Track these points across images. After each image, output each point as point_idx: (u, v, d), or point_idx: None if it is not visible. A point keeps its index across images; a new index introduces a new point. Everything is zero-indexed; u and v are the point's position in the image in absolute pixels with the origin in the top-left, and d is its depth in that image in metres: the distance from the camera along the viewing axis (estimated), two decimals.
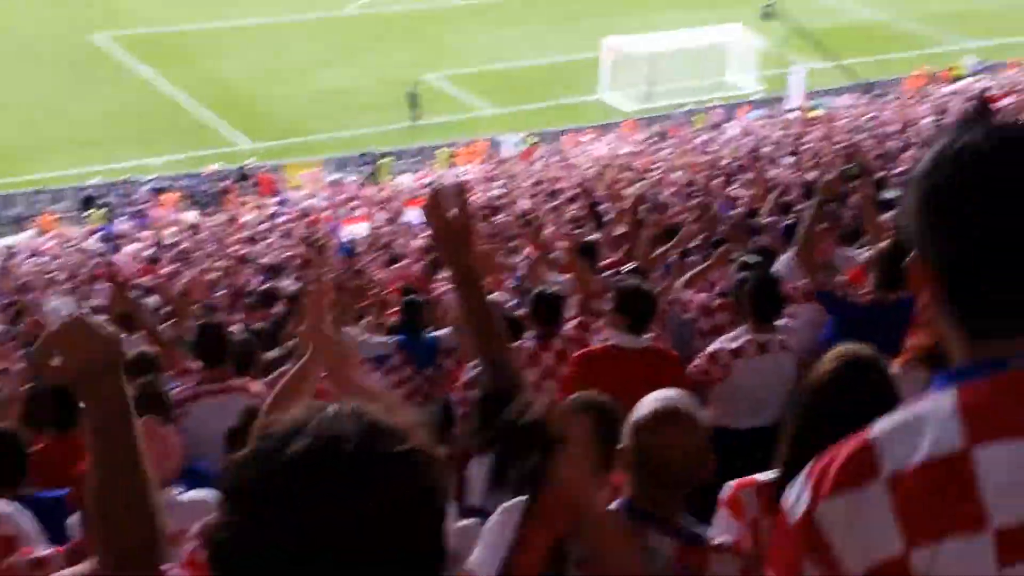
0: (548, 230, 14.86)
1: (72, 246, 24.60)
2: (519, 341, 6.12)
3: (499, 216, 18.50)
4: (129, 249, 22.53)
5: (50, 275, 19.41)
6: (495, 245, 12.70)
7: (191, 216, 27.39)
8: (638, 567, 2.65)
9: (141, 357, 6.81)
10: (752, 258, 7.81)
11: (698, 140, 31.00)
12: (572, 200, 19.91)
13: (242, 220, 25.66)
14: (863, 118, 30.04)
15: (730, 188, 17.54)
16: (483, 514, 3.26)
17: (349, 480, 1.38)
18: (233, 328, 8.81)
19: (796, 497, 1.51)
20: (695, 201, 14.86)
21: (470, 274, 3.07)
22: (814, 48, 37.73)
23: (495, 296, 8.60)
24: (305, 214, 25.83)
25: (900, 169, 14.46)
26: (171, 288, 16.16)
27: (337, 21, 44.20)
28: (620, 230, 11.99)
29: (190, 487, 4.26)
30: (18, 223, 29.45)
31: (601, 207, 16.33)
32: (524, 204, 20.53)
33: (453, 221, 2.95)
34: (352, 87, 37.52)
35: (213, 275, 16.51)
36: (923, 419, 1.47)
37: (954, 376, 1.52)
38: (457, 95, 36.96)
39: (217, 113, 35.08)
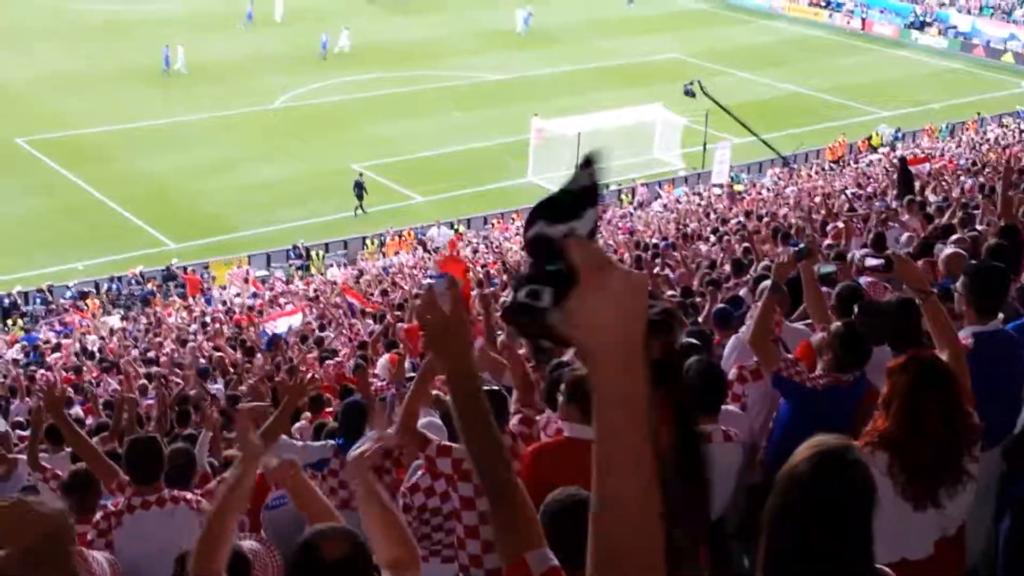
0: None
1: None
2: (454, 450, 5.81)
3: None
4: (52, 358, 21.86)
5: None
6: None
7: (115, 320, 26.77)
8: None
9: (75, 476, 6.63)
10: (689, 342, 7.64)
11: (626, 219, 31.21)
12: (505, 287, 19.81)
13: (168, 322, 25.13)
14: (787, 190, 30.54)
15: (658, 267, 17.54)
16: None
17: None
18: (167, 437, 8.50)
19: None
20: None
21: (466, 376, 2.83)
22: (734, 123, 38.33)
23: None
24: (232, 313, 25.41)
25: (827, 243, 14.54)
26: (99, 397, 15.70)
27: (258, 116, 44.10)
28: None
29: None
30: None
31: None
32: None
33: (447, 319, 2.76)
34: (277, 181, 37.31)
35: (140, 381, 16.04)
36: None
37: None
38: (386, 184, 36.88)
39: (139, 214, 34.56)
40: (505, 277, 21.57)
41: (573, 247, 1.71)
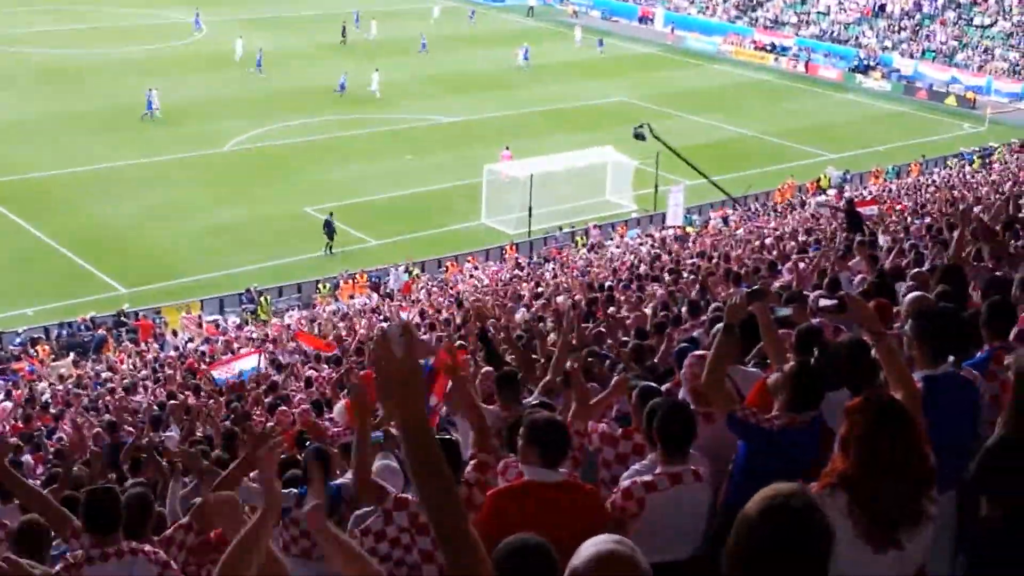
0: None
1: None
2: (411, 503, 5.77)
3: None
4: (1, 407, 21.50)
5: None
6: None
7: (65, 367, 26.40)
8: None
9: (25, 527, 6.49)
10: (649, 386, 7.66)
11: (580, 261, 31.35)
12: (458, 328, 19.83)
13: (120, 368, 24.83)
14: (738, 232, 30.84)
15: (613, 309, 17.62)
16: None
17: None
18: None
19: None
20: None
21: (419, 424, 2.82)
22: (684, 166, 38.78)
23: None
24: (185, 358, 25.16)
25: (779, 283, 14.70)
26: (49, 447, 15.46)
27: (208, 160, 43.91)
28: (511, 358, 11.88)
29: None
30: None
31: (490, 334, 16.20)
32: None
33: (401, 365, 2.75)
34: (229, 225, 37.10)
35: (93, 430, 15.80)
36: None
37: None
38: (340, 227, 36.78)
39: (89, 259, 34.20)
40: (459, 319, 21.57)
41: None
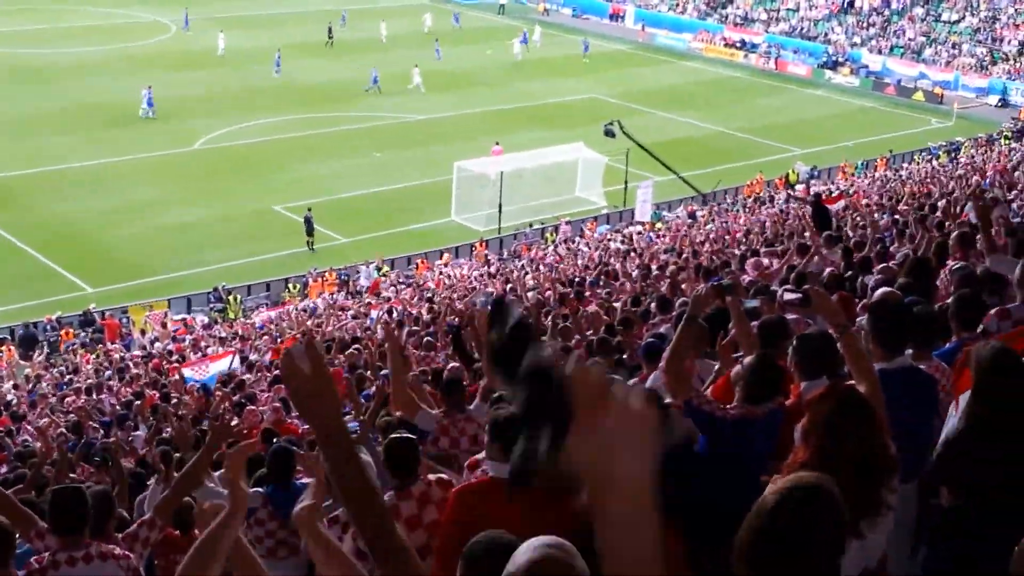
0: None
1: None
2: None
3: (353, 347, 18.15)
4: None
5: None
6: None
7: (29, 368, 26.14)
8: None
9: None
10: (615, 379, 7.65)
11: (550, 258, 31.36)
12: (429, 326, 19.79)
13: (85, 369, 24.61)
14: (706, 227, 30.93)
15: (583, 304, 17.63)
16: None
17: None
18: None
19: None
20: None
21: (334, 434, 2.81)
22: (654, 162, 38.88)
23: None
24: (151, 357, 24.98)
25: (748, 278, 14.73)
26: (14, 446, 15.29)
27: (177, 158, 43.62)
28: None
29: None
30: None
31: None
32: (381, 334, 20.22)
33: (308, 380, 2.74)
34: (197, 223, 36.87)
35: (58, 430, 15.66)
36: None
37: None
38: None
39: (55, 258, 33.89)
40: (429, 317, 21.51)
41: (573, 379, 1.61)
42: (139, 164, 42.44)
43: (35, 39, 61.25)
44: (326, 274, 33.44)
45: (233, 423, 8.75)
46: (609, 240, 33.11)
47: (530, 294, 22.23)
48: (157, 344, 27.42)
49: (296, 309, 29.58)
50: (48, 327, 29.82)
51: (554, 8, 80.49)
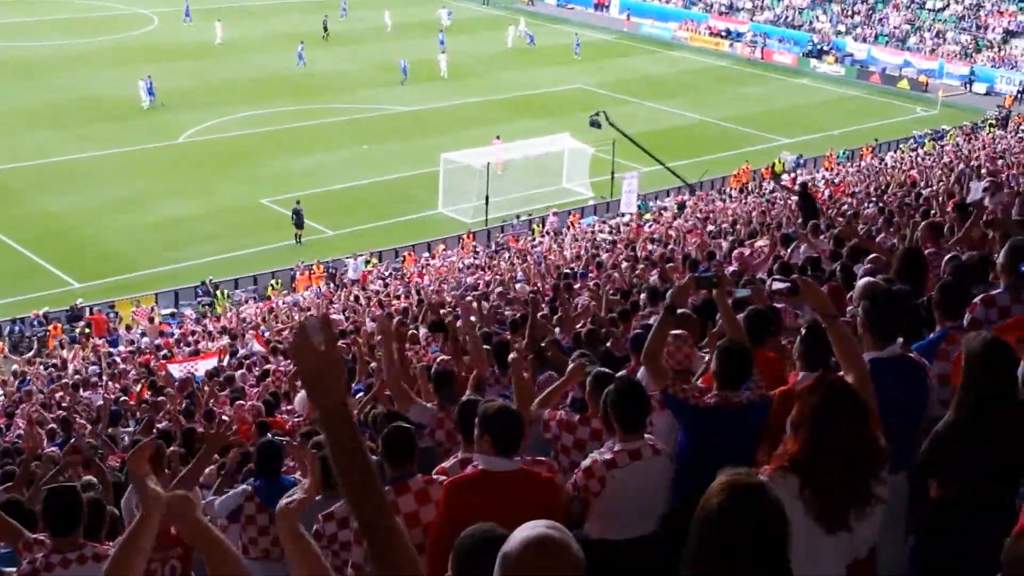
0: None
1: None
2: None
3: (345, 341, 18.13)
4: None
5: None
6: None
7: (16, 364, 26.04)
8: None
9: None
10: (603, 370, 7.68)
11: (538, 248, 31.33)
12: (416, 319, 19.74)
13: (73, 364, 24.52)
14: (692, 217, 30.94)
15: (574, 295, 17.63)
16: None
17: None
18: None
19: None
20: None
21: (339, 413, 2.79)
22: (641, 152, 38.89)
23: None
24: (141, 352, 24.92)
25: (732, 269, 14.78)
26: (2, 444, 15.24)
27: (162, 152, 43.46)
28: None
29: None
30: None
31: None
32: (371, 326, 20.22)
33: (321, 356, 2.72)
34: (184, 217, 36.74)
35: (48, 426, 15.61)
36: None
37: None
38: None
39: (42, 253, 33.76)
40: (417, 309, 21.49)
41: None
42: (125, 158, 42.28)
43: (17, 32, 60.87)
44: (313, 267, 33.39)
45: (230, 430, 8.69)
46: (597, 231, 33.11)
47: (518, 286, 22.25)
48: (145, 339, 27.34)
49: (284, 303, 29.54)
50: (35, 322, 29.71)
51: None
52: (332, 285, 31.80)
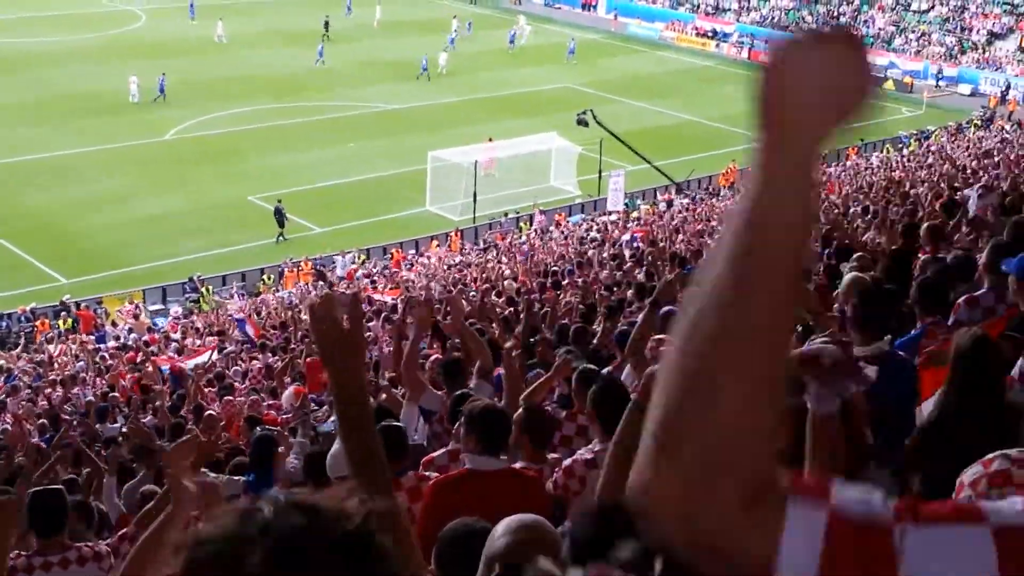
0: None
1: None
2: None
3: None
4: None
5: None
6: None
7: (3, 360, 25.98)
8: None
9: None
10: (588, 368, 7.73)
11: (525, 246, 31.41)
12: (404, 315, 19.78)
13: (59, 360, 24.48)
14: (679, 216, 31.05)
15: (560, 294, 17.72)
16: None
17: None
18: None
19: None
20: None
21: (353, 388, 2.79)
22: (628, 151, 38.97)
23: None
24: (127, 349, 24.89)
25: None
26: None
27: (150, 148, 43.35)
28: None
29: None
30: None
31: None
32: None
33: (342, 330, 2.72)
34: (172, 213, 36.66)
35: (38, 422, 15.62)
36: None
37: None
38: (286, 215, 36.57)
39: (29, 249, 33.66)
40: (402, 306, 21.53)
41: None
42: (112, 154, 42.15)
43: (4, 29, 60.55)
44: (302, 264, 33.37)
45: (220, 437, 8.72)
46: (585, 229, 33.20)
47: (506, 283, 22.33)
48: (132, 335, 27.31)
49: (273, 299, 29.56)
50: (22, 318, 29.64)
51: None
52: (322, 282, 31.79)
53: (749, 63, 65.81)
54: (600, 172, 40.97)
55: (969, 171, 23.32)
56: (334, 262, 33.85)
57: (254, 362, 19.65)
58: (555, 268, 22.89)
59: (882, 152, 44.10)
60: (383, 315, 21.16)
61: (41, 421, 15.50)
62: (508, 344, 7.99)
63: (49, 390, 19.79)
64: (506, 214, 38.96)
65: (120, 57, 54.90)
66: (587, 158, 41.26)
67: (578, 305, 14.98)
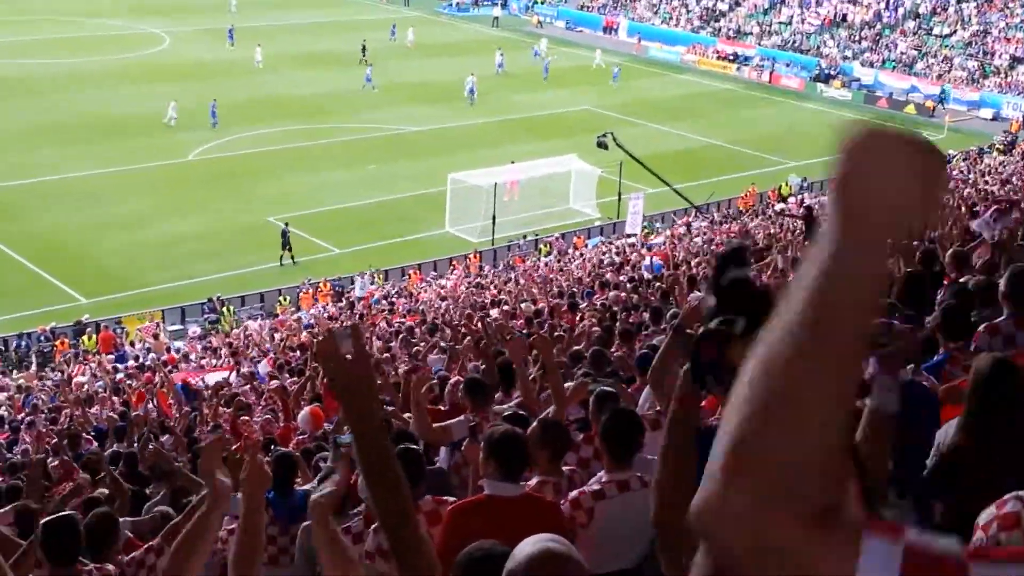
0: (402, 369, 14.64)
1: None
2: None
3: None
4: None
5: None
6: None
7: (22, 379, 26.08)
8: None
9: None
10: (605, 391, 7.67)
11: (543, 269, 31.39)
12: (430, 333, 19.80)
13: (78, 380, 24.55)
14: (699, 238, 30.96)
15: (578, 316, 17.67)
16: None
17: None
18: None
19: None
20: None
21: (370, 422, 2.79)
22: (648, 174, 38.90)
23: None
24: (144, 369, 24.94)
25: None
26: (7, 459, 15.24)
27: (171, 169, 43.60)
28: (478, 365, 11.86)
29: None
30: None
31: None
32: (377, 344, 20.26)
33: (350, 365, 2.72)
34: (192, 235, 36.81)
35: (54, 441, 15.62)
36: None
37: None
38: (303, 236, 36.70)
39: (49, 269, 33.84)
40: (422, 331, 21.52)
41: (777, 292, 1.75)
42: (133, 176, 42.41)
43: (27, 50, 61.18)
44: (320, 285, 33.43)
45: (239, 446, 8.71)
46: (604, 253, 33.15)
47: (523, 305, 22.29)
48: (151, 355, 27.38)
49: (291, 319, 29.61)
50: (42, 338, 29.77)
51: (548, 20, 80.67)
52: (340, 303, 31.85)
53: (770, 87, 65.84)
54: (620, 195, 40.96)
55: (991, 196, 23.16)
56: (353, 283, 33.90)
57: (273, 382, 19.64)
58: (572, 291, 22.85)
59: None
60: (401, 336, 21.16)
61: (55, 441, 15.50)
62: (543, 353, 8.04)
63: (68, 410, 19.82)
64: (525, 236, 38.97)
65: (144, 79, 55.38)
66: (607, 180, 41.26)
67: (592, 328, 14.93)
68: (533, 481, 6.00)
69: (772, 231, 28.01)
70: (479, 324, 17.60)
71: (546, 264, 33.09)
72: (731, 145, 51.37)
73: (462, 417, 8.63)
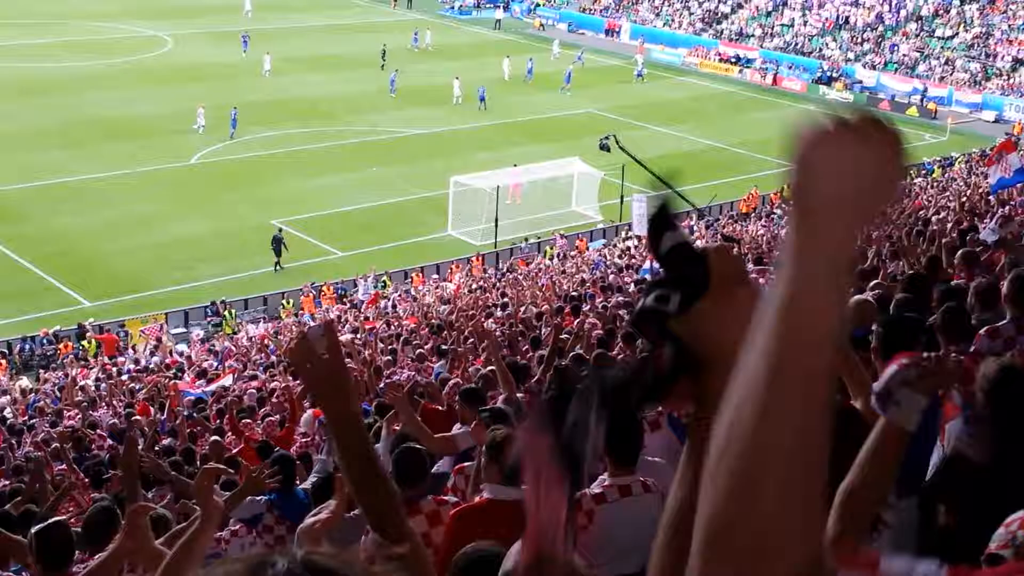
0: (403, 375, 14.67)
1: None
2: None
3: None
4: None
5: None
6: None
7: (25, 382, 26.11)
8: None
9: None
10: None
11: (547, 271, 31.40)
12: (426, 340, 19.82)
13: (82, 383, 24.57)
14: (700, 243, 30.90)
15: (580, 319, 17.66)
16: None
17: None
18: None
19: None
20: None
21: (349, 420, 2.78)
22: (649, 176, 38.91)
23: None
24: (147, 371, 24.97)
25: None
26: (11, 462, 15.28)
27: (174, 173, 43.64)
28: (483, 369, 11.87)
29: None
30: None
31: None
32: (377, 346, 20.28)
33: (324, 364, 2.71)
34: (195, 238, 36.84)
35: (55, 444, 15.64)
36: None
37: None
38: (305, 239, 36.73)
39: (52, 272, 33.86)
40: (426, 331, 21.55)
41: (716, 256, 1.70)
42: (137, 178, 42.44)
43: (33, 53, 61.25)
44: (324, 288, 33.44)
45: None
46: (606, 254, 33.16)
47: (522, 308, 22.29)
48: (155, 358, 27.40)
49: (291, 323, 29.61)
50: (45, 341, 29.80)
51: (550, 23, 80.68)
52: (344, 306, 31.87)
53: (773, 89, 65.83)
54: (622, 197, 40.95)
55: (994, 200, 23.15)
56: (356, 286, 33.91)
57: (274, 383, 19.66)
58: (575, 293, 22.85)
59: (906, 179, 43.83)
60: (403, 339, 21.18)
61: (56, 445, 15.51)
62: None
63: (71, 413, 19.84)
64: (527, 239, 38.98)
65: (149, 81, 55.44)
66: (609, 183, 41.27)
67: (593, 331, 14.93)
68: None
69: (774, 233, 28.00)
70: (482, 327, 17.63)
71: (547, 266, 33.10)
72: (733, 147, 51.37)
73: (463, 427, 8.63)
